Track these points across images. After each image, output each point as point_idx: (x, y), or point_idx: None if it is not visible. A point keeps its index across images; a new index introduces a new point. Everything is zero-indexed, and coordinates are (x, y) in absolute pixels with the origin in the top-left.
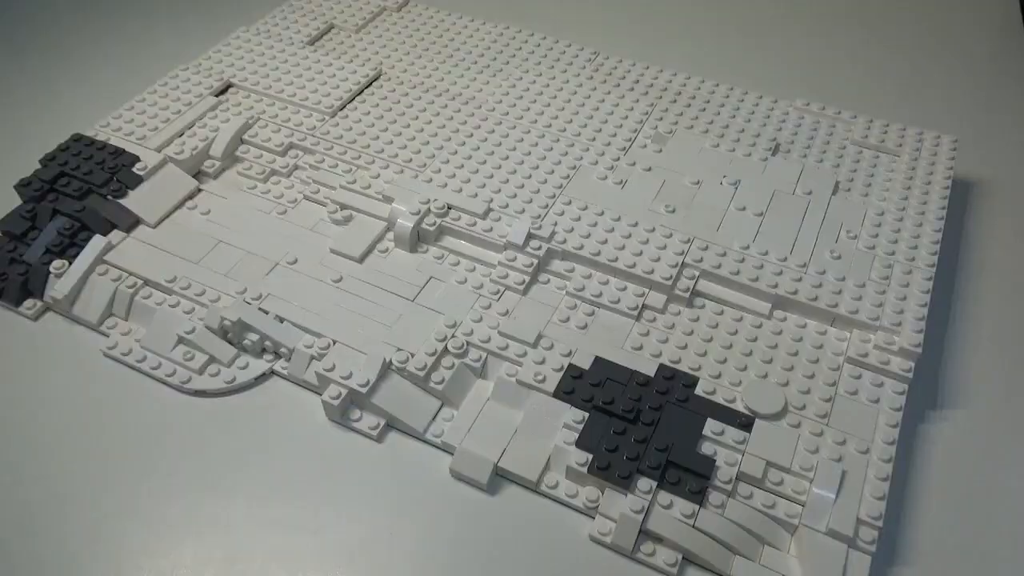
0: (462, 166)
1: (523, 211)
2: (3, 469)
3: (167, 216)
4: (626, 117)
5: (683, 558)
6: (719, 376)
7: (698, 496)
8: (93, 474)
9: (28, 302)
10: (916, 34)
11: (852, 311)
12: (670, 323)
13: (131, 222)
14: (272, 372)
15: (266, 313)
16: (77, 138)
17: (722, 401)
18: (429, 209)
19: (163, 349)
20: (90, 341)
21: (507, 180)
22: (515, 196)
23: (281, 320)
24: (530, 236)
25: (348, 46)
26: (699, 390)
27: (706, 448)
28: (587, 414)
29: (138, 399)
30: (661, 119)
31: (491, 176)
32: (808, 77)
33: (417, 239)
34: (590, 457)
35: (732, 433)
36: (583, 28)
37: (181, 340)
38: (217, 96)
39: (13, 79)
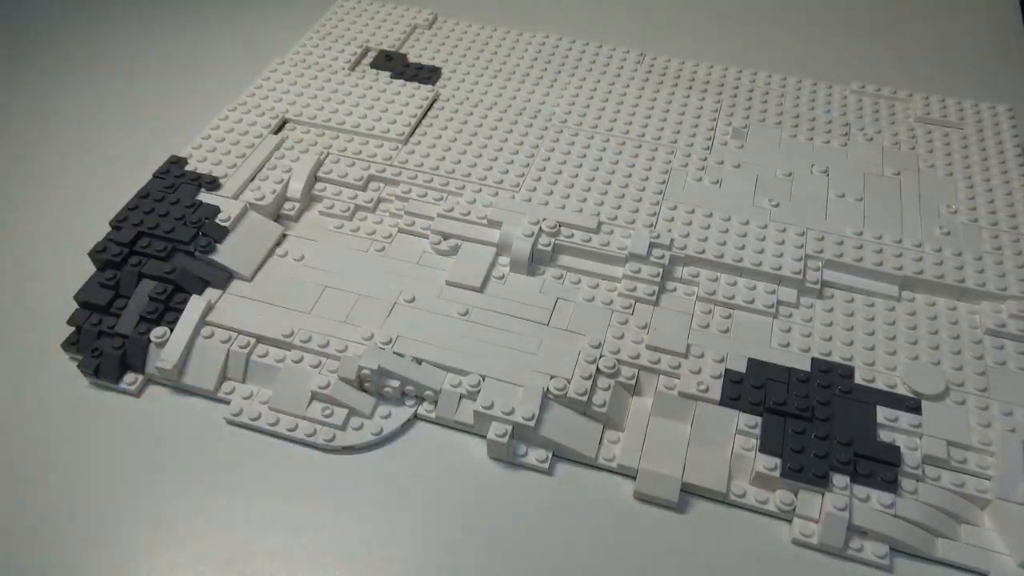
0: (555, 182)
1: (633, 221)
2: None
3: (260, 267)
4: (698, 116)
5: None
6: (873, 363)
7: (892, 485)
8: (239, 547)
9: (128, 377)
10: (939, 6)
11: (980, 284)
12: (807, 316)
13: (225, 278)
14: (416, 417)
15: (403, 356)
16: (144, 194)
17: (884, 387)
18: (541, 229)
19: (297, 408)
20: (207, 411)
21: (605, 191)
22: (619, 207)
23: (419, 362)
24: (652, 245)
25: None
26: (859, 379)
27: (884, 436)
28: (759, 418)
29: (278, 463)
30: (732, 115)
31: (588, 189)
32: (844, 60)
33: (532, 260)
34: (779, 461)
35: (905, 418)
36: (614, 29)
37: (315, 396)
38: (276, 133)
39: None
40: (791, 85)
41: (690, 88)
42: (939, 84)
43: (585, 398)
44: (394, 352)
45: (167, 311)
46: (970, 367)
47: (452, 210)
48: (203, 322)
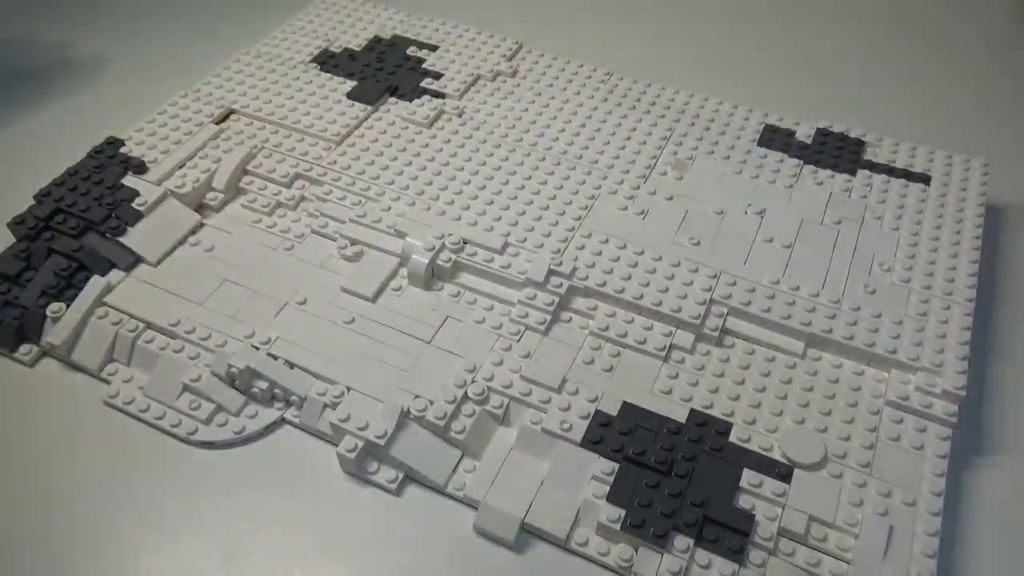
0: (476, 197)
1: (542, 245)
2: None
3: (169, 253)
4: (644, 143)
5: None
6: (754, 422)
7: (738, 555)
8: (93, 525)
9: (24, 347)
10: (930, 51)
11: (890, 350)
12: (699, 364)
13: (131, 261)
14: (283, 420)
15: (276, 359)
16: (72, 172)
17: (758, 449)
18: (444, 244)
19: (168, 398)
20: (91, 389)
21: (523, 212)
22: (532, 229)
23: (291, 366)
24: (551, 272)
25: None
26: (733, 437)
27: (744, 501)
28: (617, 465)
29: (139, 450)
30: (680, 144)
31: (507, 208)
32: (824, 97)
33: (432, 275)
34: (623, 513)
35: (771, 485)
36: (592, 48)
37: (186, 388)
38: (218, 124)
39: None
40: (754, 119)
41: (647, 113)
42: (915, 130)
43: (443, 423)
44: (268, 353)
45: (69, 287)
46: (859, 439)
47: (364, 216)
48: (99, 302)
